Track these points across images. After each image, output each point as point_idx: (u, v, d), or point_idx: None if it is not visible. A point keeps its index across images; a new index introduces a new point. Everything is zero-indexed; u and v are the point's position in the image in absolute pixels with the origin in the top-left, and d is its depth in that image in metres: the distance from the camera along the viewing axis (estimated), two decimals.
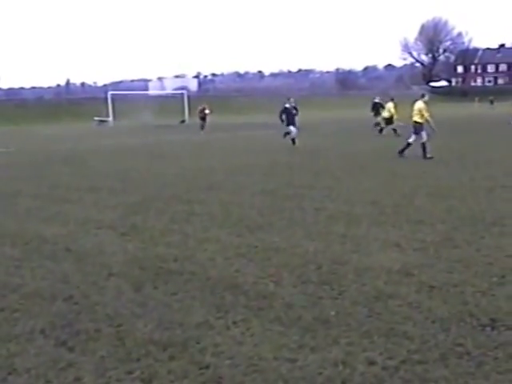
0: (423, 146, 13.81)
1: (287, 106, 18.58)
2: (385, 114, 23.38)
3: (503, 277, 4.69)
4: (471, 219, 6.87)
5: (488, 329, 3.69)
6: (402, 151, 14.15)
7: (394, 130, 22.65)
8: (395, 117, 22.81)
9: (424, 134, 13.83)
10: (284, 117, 18.38)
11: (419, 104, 14.15)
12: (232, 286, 4.65)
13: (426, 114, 13.96)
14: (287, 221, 7.10)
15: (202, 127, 30.52)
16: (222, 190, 9.82)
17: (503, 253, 5.37)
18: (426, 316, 3.91)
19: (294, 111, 18.79)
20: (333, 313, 4.01)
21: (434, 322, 3.82)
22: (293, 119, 18.43)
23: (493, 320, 3.81)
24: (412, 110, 14.33)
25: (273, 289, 4.56)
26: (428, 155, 13.68)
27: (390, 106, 23.21)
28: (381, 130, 23.29)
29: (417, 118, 14.07)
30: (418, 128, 14.04)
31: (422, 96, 14.38)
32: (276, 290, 4.54)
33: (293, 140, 18.16)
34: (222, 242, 6.08)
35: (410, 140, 14.21)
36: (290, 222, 7.00)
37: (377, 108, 25.20)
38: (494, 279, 4.63)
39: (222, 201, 8.66)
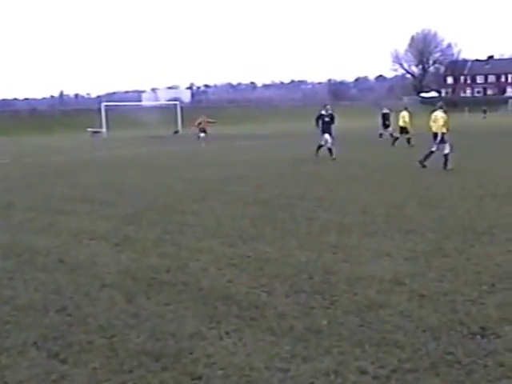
0: (432, 154, 13.89)
1: (323, 112, 18.06)
2: (400, 123, 22.95)
3: (493, 285, 4.74)
4: (461, 228, 6.93)
5: (478, 337, 3.73)
6: (444, 165, 13.65)
7: (394, 139, 22.56)
8: (409, 126, 22.37)
9: (447, 146, 13.77)
10: (320, 124, 17.86)
11: (437, 114, 14.11)
12: (224, 296, 4.66)
13: (432, 122, 14.01)
14: (279, 231, 7.13)
15: (199, 138, 30.50)
16: (214, 200, 9.84)
17: (493, 261, 5.43)
18: (417, 325, 3.95)
19: (327, 119, 17.96)
20: (325, 322, 4.03)
21: (424, 330, 3.85)
22: (328, 127, 17.79)
23: (483, 328, 3.85)
24: (430, 120, 14.35)
25: (265, 299, 4.58)
26: (424, 163, 13.79)
27: (404, 114, 22.76)
28: (395, 140, 22.60)
29: (434, 129, 14.13)
30: (436, 136, 13.95)
31: (441, 107, 14.32)
32: (268, 299, 4.56)
33: (329, 150, 17.41)
34: (214, 253, 6.10)
35: (446, 151, 13.81)
36: (283, 232, 7.04)
37: (386, 119, 25.05)
38: (484, 288, 4.68)
39: (214, 211, 8.68)
